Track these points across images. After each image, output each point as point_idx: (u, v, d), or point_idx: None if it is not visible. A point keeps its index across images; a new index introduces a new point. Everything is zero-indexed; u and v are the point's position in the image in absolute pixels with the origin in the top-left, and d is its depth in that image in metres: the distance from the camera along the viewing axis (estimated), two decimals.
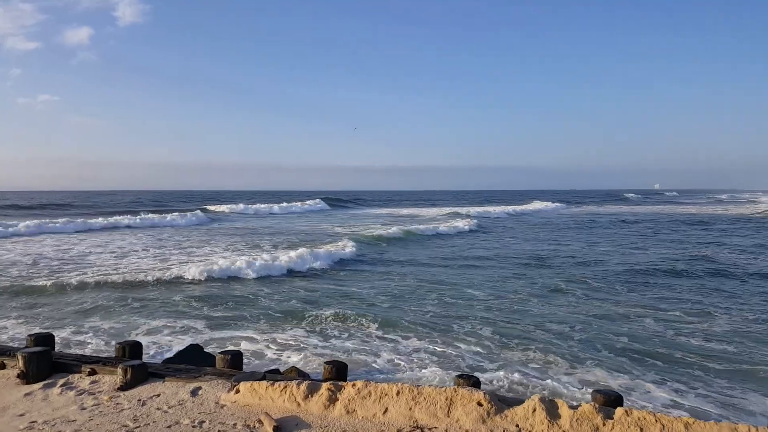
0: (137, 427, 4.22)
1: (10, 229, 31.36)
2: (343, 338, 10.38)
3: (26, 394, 5.26)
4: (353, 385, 4.19)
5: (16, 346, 7.17)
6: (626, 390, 7.64)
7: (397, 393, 3.91)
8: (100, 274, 17.01)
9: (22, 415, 4.76)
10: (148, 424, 4.28)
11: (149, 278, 16.25)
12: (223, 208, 64.80)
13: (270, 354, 9.48)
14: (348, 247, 23.15)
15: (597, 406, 3.54)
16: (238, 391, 4.71)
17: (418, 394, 3.82)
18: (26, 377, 5.60)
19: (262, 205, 68.61)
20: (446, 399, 3.68)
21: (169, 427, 4.19)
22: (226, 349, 6.97)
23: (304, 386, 4.40)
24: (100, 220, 39.84)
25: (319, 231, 35.80)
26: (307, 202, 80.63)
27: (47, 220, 36.43)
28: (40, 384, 5.50)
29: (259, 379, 4.82)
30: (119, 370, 5.32)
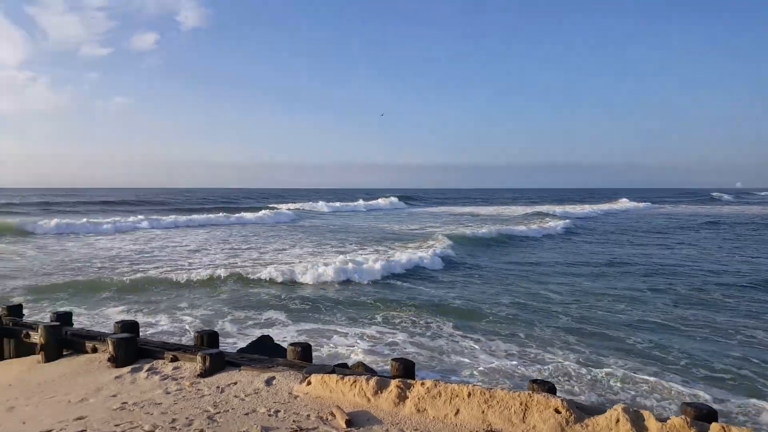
0: (217, 413, 4.45)
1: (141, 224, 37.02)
2: (437, 338, 10.53)
3: (116, 377, 5.65)
4: (422, 383, 4.25)
5: (106, 332, 7.66)
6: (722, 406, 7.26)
7: (469, 395, 3.93)
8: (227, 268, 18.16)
9: (114, 395, 5.12)
10: (227, 410, 4.50)
11: (278, 277, 16.67)
12: (305, 206, 67.06)
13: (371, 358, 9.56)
14: (447, 248, 23.11)
15: (688, 420, 3.37)
16: (309, 383, 4.86)
17: (490, 397, 3.83)
18: (115, 361, 6.01)
19: (338, 203, 70.74)
20: (521, 404, 3.66)
21: (247, 414, 4.40)
22: (296, 341, 7.20)
23: (373, 382, 4.50)
24: (195, 217, 42.95)
25: (410, 231, 35.36)
26: (379, 200, 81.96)
27: (156, 217, 40.85)
28: (128, 368, 5.89)
29: (329, 372, 4.96)
30: (199, 358, 5.61)
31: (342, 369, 5.46)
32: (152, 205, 69.15)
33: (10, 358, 7.45)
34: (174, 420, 4.33)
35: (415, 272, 18.43)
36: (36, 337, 6.91)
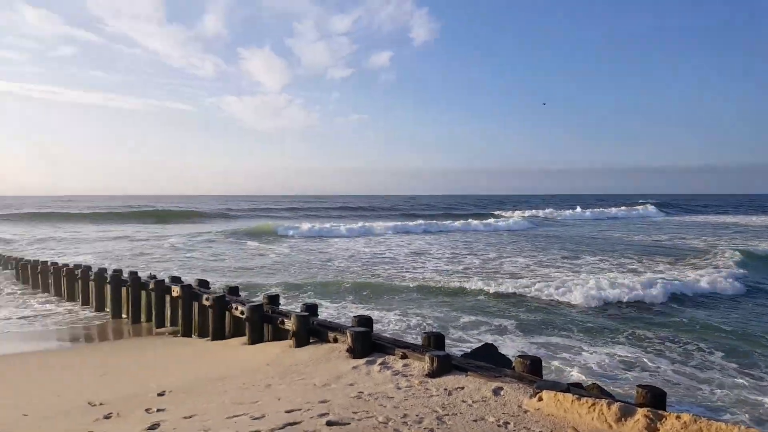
0: (446, 415, 4.45)
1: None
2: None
3: (354, 367, 6.05)
4: (678, 416, 3.69)
5: (345, 324, 8.30)
6: None
7: None
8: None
9: (351, 384, 5.49)
10: (455, 414, 4.48)
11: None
12: (541, 212, 67.06)
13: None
14: (738, 267, 19.53)
15: None
16: (541, 399, 4.60)
17: None
18: (353, 352, 6.45)
19: (587, 211, 68.53)
20: None
21: (475, 421, 4.32)
22: (524, 354, 6.94)
23: (616, 407, 4.06)
24: (449, 222, 47.05)
25: (677, 244, 31.03)
26: (637, 207, 77.06)
27: (401, 223, 46.05)
28: (364, 360, 6.27)
29: (563, 390, 4.63)
30: (427, 358, 5.71)
31: (577, 389, 5.07)
32: (383, 210, 74.58)
33: (268, 341, 8.53)
34: (405, 415, 4.45)
35: (691, 296, 15.65)
36: (289, 324, 7.79)
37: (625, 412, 3.97)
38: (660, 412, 3.86)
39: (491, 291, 15.71)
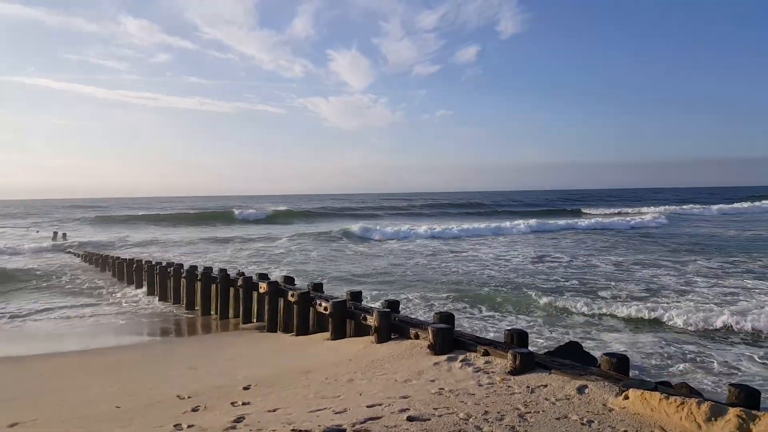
0: (528, 413, 4.44)
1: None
2: None
3: (435, 363, 6.13)
4: None
5: (427, 320, 8.39)
6: None
7: None
8: None
9: (432, 380, 5.57)
10: (538, 412, 4.46)
11: None
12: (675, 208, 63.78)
13: None
14: None
15: None
16: (627, 398, 4.49)
17: None
18: (434, 348, 6.53)
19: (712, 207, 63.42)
20: None
21: (558, 419, 4.28)
22: (610, 351, 6.76)
23: (705, 407, 3.90)
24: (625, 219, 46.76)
25: None
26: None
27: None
28: (445, 356, 6.33)
29: (651, 389, 4.50)
30: (510, 355, 5.70)
31: (665, 387, 4.91)
32: (485, 207, 73.94)
33: (351, 336, 8.78)
34: (486, 412, 4.47)
35: None
36: (371, 320, 7.98)
37: (716, 412, 3.81)
38: (754, 412, 3.68)
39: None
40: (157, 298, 16.13)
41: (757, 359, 9.38)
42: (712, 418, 3.83)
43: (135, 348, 11.22)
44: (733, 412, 3.77)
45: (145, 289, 17.15)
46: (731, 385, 4.49)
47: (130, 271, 18.62)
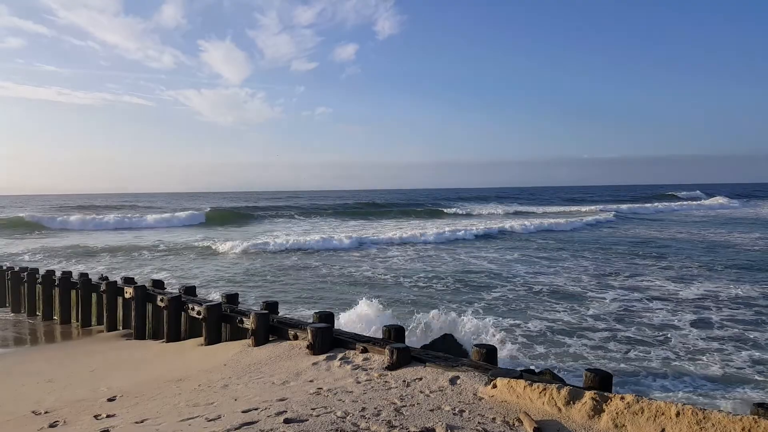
0: (404, 406, 4.52)
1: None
2: None
3: (313, 363, 6.07)
4: (622, 398, 3.86)
5: (307, 321, 8.28)
6: None
7: (677, 414, 3.47)
8: None
9: (311, 381, 5.50)
10: (413, 405, 4.55)
11: None
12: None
13: None
14: None
15: None
16: (495, 386, 4.72)
17: (704, 418, 3.33)
18: (313, 348, 6.47)
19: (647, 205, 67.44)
20: (743, 429, 3.13)
21: (432, 410, 4.40)
22: (481, 343, 7.10)
23: (565, 391, 4.21)
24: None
25: None
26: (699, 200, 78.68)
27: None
28: (324, 356, 6.29)
29: (516, 377, 4.77)
30: (387, 351, 5.78)
31: (530, 375, 5.22)
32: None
33: (227, 341, 8.44)
34: (363, 409, 4.49)
35: None
36: (248, 323, 7.73)
37: (574, 396, 4.13)
38: (606, 394, 4.03)
39: None
40: (9, 306, 14.50)
41: None
42: (571, 402, 4.14)
43: None
44: (588, 395, 4.10)
45: None
46: (587, 369, 4.88)
47: None
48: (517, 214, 61.03)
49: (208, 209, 57.67)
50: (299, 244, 29.43)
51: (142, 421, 4.81)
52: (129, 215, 51.05)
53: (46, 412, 5.76)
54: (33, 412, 5.85)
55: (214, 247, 28.48)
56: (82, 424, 5.05)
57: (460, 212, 63.67)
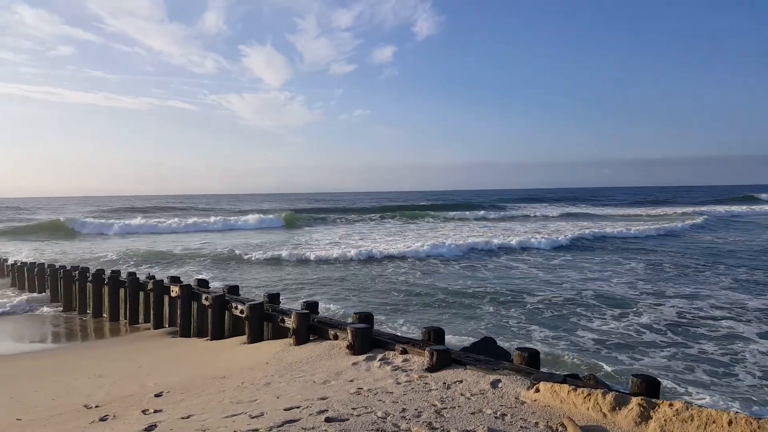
0: (444, 408, 4.50)
1: None
2: None
3: (353, 363, 6.10)
4: (671, 404, 3.75)
5: (346, 321, 8.34)
6: None
7: (729, 423, 3.34)
8: None
9: (351, 380, 5.53)
10: (454, 407, 4.52)
11: None
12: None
13: None
14: None
15: None
16: (537, 390, 4.65)
17: (758, 428, 3.20)
18: (353, 349, 6.50)
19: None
20: None
21: (473, 413, 4.36)
22: (523, 346, 7.00)
23: (611, 397, 4.11)
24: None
25: None
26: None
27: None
28: (364, 356, 6.32)
29: (560, 382, 4.68)
30: (427, 353, 5.76)
31: (573, 380, 5.12)
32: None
33: (269, 339, 8.57)
34: (404, 410, 4.49)
35: None
36: (289, 323, 7.83)
37: (620, 402, 4.02)
38: (653, 400, 3.91)
39: None
40: (62, 304, 15.09)
41: None
42: (617, 408, 4.04)
43: (35, 356, 10.43)
44: (635, 401, 3.99)
45: (48, 294, 16.00)
46: (633, 375, 4.76)
47: (31, 276, 17.27)
48: (586, 215, 57.87)
49: (283, 213, 53.98)
50: (406, 252, 25.60)
51: (188, 417, 4.93)
52: (211, 218, 49.17)
53: (96, 406, 5.96)
54: (84, 405, 6.06)
55: (326, 254, 25.21)
56: (130, 419, 5.21)
57: (524, 214, 61.48)
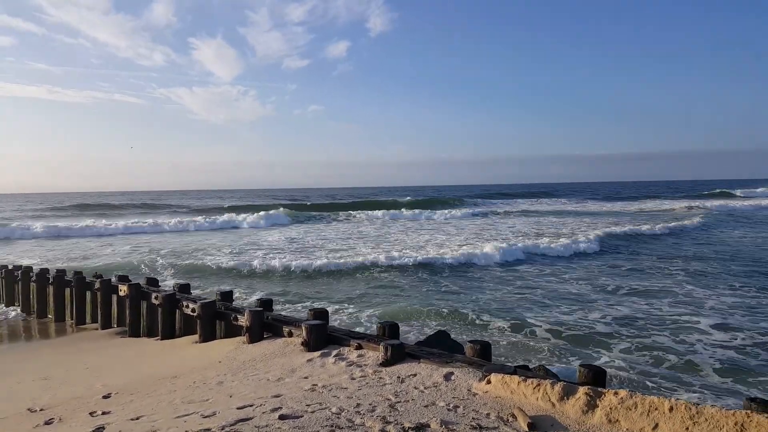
0: (398, 402, 4.54)
1: None
2: None
3: (308, 360, 6.08)
4: (615, 393, 3.89)
5: (301, 318, 8.29)
6: None
7: (670, 409, 3.49)
8: None
9: (305, 377, 5.51)
10: (408, 401, 4.57)
11: None
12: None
13: None
14: None
15: None
16: (489, 382, 4.74)
17: (697, 413, 3.36)
18: (308, 345, 6.48)
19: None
20: (735, 424, 3.16)
21: (426, 406, 4.42)
22: (475, 339, 7.12)
23: (559, 387, 4.23)
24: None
25: None
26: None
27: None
28: (318, 353, 6.30)
29: (510, 373, 4.79)
30: (381, 348, 5.80)
31: (524, 371, 5.25)
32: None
33: (221, 338, 8.44)
34: (358, 405, 4.50)
35: None
36: (242, 320, 7.73)
37: (568, 391, 4.15)
38: (599, 389, 4.05)
39: None
40: (3, 304, 14.44)
41: None
42: (565, 397, 4.16)
43: None
44: (582, 390, 4.12)
45: None
46: (581, 365, 4.91)
47: None
48: (571, 213, 54.26)
49: (281, 209, 51.17)
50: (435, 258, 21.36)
51: (137, 418, 4.81)
52: (213, 217, 45.89)
53: (41, 410, 5.75)
54: (29, 409, 5.84)
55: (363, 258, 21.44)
56: (77, 421, 5.05)
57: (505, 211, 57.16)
